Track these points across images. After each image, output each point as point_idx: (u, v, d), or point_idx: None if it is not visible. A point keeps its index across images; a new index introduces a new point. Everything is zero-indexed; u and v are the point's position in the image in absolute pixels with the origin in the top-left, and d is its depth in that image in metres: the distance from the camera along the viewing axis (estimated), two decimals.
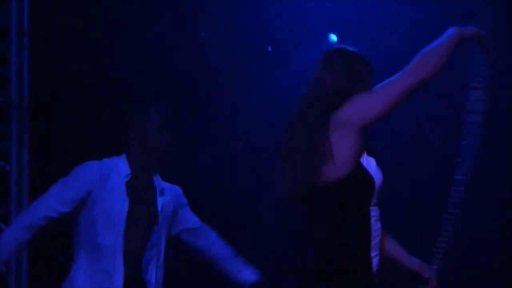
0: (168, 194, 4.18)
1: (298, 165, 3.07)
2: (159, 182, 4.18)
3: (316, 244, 3.05)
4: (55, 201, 3.98)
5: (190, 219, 4.33)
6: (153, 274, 4.09)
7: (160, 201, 4.12)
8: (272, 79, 5.75)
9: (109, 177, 4.02)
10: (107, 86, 5.65)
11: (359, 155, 3.07)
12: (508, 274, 5.57)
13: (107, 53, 5.67)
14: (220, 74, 5.88)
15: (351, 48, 3.27)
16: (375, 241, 3.06)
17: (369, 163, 3.13)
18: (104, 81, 5.66)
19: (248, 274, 4.29)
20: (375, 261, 3.07)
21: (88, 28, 5.65)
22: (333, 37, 6.43)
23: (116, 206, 3.99)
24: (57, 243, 4.60)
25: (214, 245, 4.34)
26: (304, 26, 5.68)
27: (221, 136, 5.92)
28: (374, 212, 3.12)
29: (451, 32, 2.90)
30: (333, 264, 3.05)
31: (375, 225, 3.09)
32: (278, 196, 3.20)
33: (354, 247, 3.04)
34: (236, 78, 5.83)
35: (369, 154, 3.15)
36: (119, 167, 4.06)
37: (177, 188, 4.30)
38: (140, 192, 4.08)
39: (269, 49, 5.97)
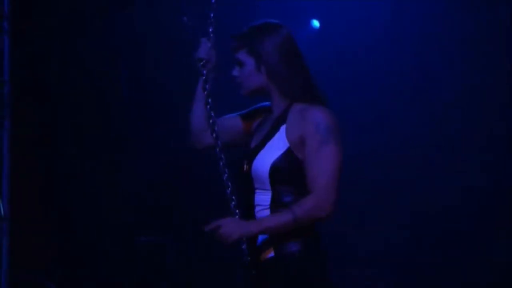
0: None
1: None
2: None
3: None
4: None
5: None
6: None
7: None
8: None
9: None
10: (90, 71, 5.66)
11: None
12: (508, 269, 5.61)
13: (90, 37, 5.67)
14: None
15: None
16: None
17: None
18: (86, 67, 5.67)
19: None
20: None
21: (69, 14, 5.64)
22: (316, 23, 6.40)
23: None
24: None
25: None
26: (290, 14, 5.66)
27: None
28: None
29: None
30: None
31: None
32: None
33: None
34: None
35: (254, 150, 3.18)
36: None
37: None
38: None
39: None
